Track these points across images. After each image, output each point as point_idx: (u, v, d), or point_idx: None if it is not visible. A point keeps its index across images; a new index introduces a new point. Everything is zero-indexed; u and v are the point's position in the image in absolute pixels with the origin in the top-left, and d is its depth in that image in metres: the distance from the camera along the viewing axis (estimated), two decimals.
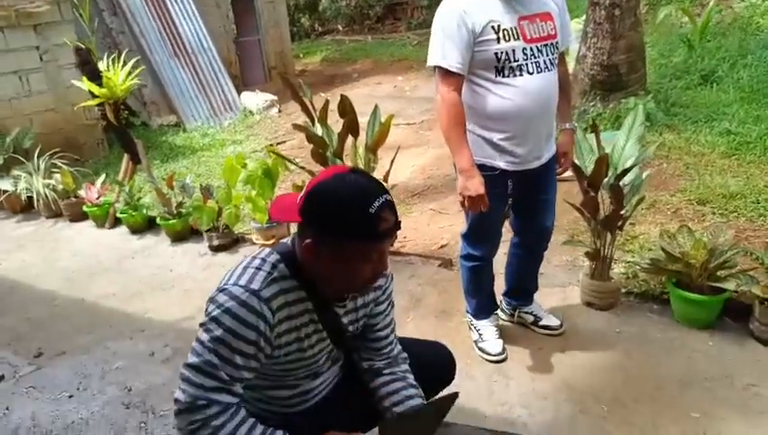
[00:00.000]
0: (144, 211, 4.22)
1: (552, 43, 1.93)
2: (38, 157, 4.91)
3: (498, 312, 2.48)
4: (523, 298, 2.46)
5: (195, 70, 7.40)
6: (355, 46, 12.81)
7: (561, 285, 2.81)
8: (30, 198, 4.85)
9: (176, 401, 1.21)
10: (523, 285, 2.45)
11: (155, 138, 6.66)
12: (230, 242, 3.77)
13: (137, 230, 4.25)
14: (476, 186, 1.92)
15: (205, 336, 1.17)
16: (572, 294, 2.71)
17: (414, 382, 1.44)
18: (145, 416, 2.21)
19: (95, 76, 4.11)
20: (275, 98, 7.70)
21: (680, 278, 2.40)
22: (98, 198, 4.48)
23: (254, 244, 3.61)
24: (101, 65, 4.18)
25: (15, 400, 2.40)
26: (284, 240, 1.33)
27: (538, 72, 1.90)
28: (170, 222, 3.93)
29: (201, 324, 1.20)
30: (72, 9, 5.58)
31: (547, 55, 1.92)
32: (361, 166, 3.07)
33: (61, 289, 3.50)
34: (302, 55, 12.62)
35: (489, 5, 1.87)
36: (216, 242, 3.73)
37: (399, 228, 1.19)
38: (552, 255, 3.03)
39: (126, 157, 4.52)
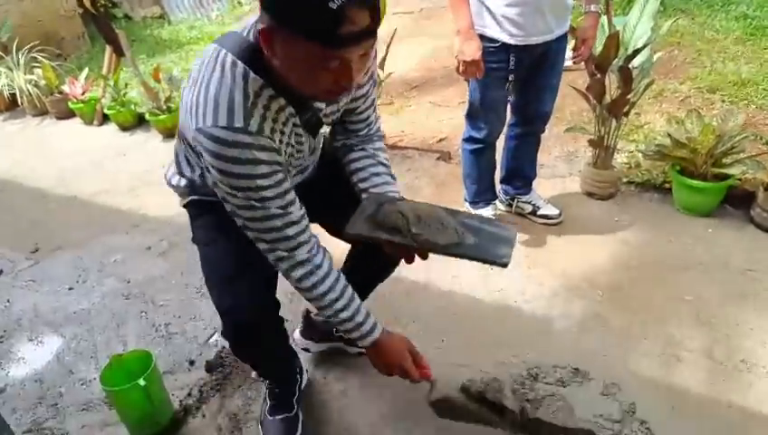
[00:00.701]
0: (132, 107, 4.06)
1: None
2: (17, 51, 4.65)
3: (496, 202, 2.44)
4: (521, 186, 2.41)
5: None
6: None
7: (561, 176, 2.75)
8: (13, 95, 4.66)
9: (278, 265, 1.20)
10: (521, 171, 2.39)
11: (139, 31, 6.30)
12: None
13: (127, 127, 4.12)
14: (473, 50, 1.85)
15: (230, 195, 1.09)
16: (572, 185, 2.66)
17: (384, 160, 1.37)
18: (145, 305, 2.24)
19: None
20: None
21: (684, 166, 2.34)
22: (83, 94, 4.30)
23: None
24: None
25: (16, 293, 2.43)
26: (235, 30, 1.11)
27: None
28: (160, 118, 3.79)
29: (214, 185, 1.11)
30: None
31: None
32: None
33: (53, 187, 3.44)
34: None
35: None
36: None
37: (374, 36, 0.95)
38: (553, 145, 2.94)
39: (108, 49, 4.29)
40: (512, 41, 1.89)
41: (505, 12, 1.85)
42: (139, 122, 4.11)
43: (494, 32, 1.90)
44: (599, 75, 2.25)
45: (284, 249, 1.16)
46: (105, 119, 4.27)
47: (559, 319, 1.93)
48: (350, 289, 1.25)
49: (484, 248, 1.15)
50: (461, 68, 1.92)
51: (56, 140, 4.21)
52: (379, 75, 2.75)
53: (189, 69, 4.66)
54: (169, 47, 5.81)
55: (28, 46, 4.72)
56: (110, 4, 4.87)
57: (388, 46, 2.94)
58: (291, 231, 1.14)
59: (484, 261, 1.15)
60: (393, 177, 1.37)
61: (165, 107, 3.79)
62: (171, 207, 3.07)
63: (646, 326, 1.86)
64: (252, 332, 1.31)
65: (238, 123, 1.02)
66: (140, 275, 2.45)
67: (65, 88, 4.38)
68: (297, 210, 1.15)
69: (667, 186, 2.50)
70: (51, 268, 2.58)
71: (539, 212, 2.39)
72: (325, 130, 1.35)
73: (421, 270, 2.12)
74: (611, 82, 2.31)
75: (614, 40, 2.13)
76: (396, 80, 4.09)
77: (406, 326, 1.94)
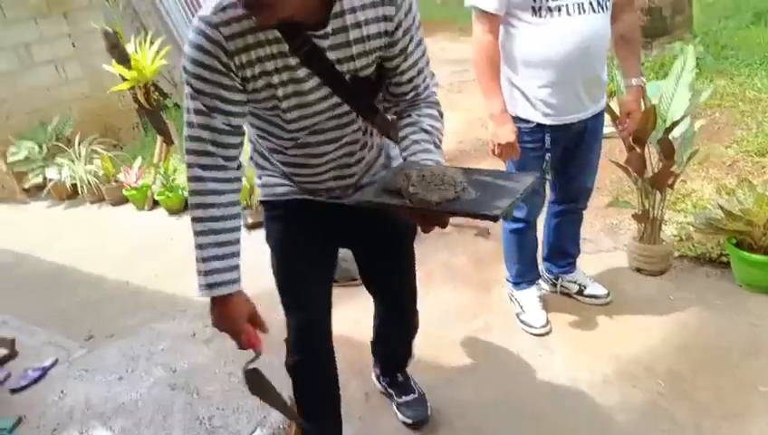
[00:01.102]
0: (180, 192, 4.26)
1: None
2: (79, 144, 5.02)
3: (540, 282, 2.38)
4: (564, 264, 2.35)
5: None
6: None
7: (606, 251, 2.67)
8: (74, 184, 4.98)
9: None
10: (564, 249, 2.34)
11: None
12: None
13: (174, 211, 4.30)
14: (507, 133, 1.85)
15: (186, 90, 1.18)
16: (619, 260, 2.58)
17: (428, 127, 1.24)
18: (189, 396, 2.25)
19: (124, 59, 4.13)
20: None
21: (741, 238, 2.23)
22: (136, 181, 4.55)
23: None
24: (129, 48, 4.19)
25: (69, 383, 2.48)
26: None
27: (580, 13, 1.75)
28: None
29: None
30: None
31: None
32: None
33: (107, 272, 3.59)
34: None
35: None
36: (250, 220, 3.73)
37: None
38: (595, 218, 2.88)
39: (159, 139, 4.57)
40: (546, 121, 1.90)
41: (538, 93, 1.86)
42: (186, 206, 4.30)
43: (527, 112, 1.91)
44: (638, 149, 2.22)
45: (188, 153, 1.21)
46: (155, 204, 4.48)
47: (617, 412, 1.81)
48: (230, 236, 1.23)
49: (479, 203, 1.03)
50: (496, 151, 1.93)
51: (111, 226, 4.43)
52: None
53: None
54: None
55: (89, 139, 5.09)
56: (161, 98, 5.23)
57: None
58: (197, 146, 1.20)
59: (475, 216, 1.03)
60: (436, 144, 1.24)
61: None
62: None
63: (719, 424, 1.71)
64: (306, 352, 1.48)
65: (204, 12, 1.11)
66: (186, 363, 2.47)
67: (121, 176, 4.65)
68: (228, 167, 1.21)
69: (724, 259, 2.38)
70: (103, 357, 2.63)
71: (585, 292, 2.32)
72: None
73: (464, 355, 2.06)
74: (651, 154, 2.27)
75: (650, 113, 2.11)
76: None
77: (452, 423, 1.85)
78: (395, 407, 1.92)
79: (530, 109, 1.90)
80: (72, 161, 4.97)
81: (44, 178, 5.09)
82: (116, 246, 3.97)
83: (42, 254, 3.98)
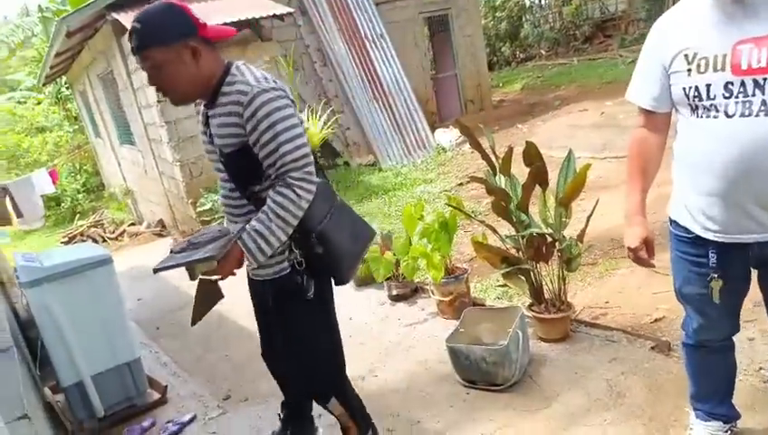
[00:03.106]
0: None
1: None
2: None
3: (737, 423, 1.83)
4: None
5: (391, 110, 7.66)
6: (559, 71, 12.08)
7: None
8: None
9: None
10: None
11: (354, 177, 7.01)
12: (409, 292, 3.62)
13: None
14: (632, 237, 1.63)
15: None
16: None
17: (270, 202, 1.58)
18: None
19: None
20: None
21: None
22: None
23: (432, 296, 3.39)
24: (303, 116, 4.48)
25: None
26: None
27: (745, 116, 1.36)
28: None
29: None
30: (287, 65, 6.20)
31: None
32: (551, 222, 2.63)
33: (244, 316, 3.72)
34: (501, 84, 12.34)
35: (697, 23, 1.43)
36: (394, 292, 3.61)
37: (134, 53, 1.56)
38: None
39: None
40: (708, 236, 1.51)
41: (696, 201, 1.51)
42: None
43: (685, 220, 1.57)
44: None
45: None
46: None
47: None
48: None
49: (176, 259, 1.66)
50: (630, 256, 1.67)
51: None
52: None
53: (390, 214, 4.70)
54: (376, 193, 6.28)
55: None
56: (325, 164, 5.54)
57: (590, 214, 2.62)
58: None
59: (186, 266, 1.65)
60: (265, 212, 1.58)
61: None
62: (347, 365, 3.05)
63: None
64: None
65: None
66: None
67: None
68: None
69: None
70: (232, 421, 2.66)
71: None
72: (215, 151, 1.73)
73: None
74: None
75: None
76: (602, 235, 3.68)
77: None
78: None
79: (688, 217, 1.56)
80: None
81: None
82: None
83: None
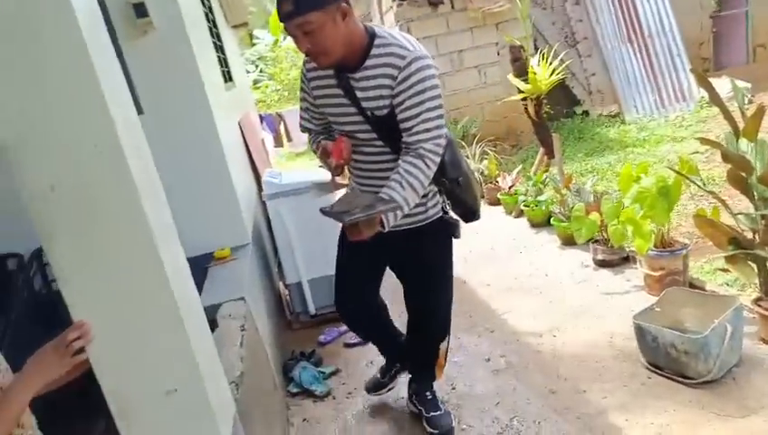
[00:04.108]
0: (543, 207, 4.19)
1: None
2: (477, 143, 5.55)
3: None
4: None
5: (648, 55, 6.71)
6: None
7: None
8: None
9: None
10: None
11: (588, 129, 6.47)
12: (617, 259, 3.32)
13: (536, 224, 4.28)
14: None
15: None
16: None
17: (401, 169, 1.62)
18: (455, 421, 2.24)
19: (523, 72, 4.27)
20: (748, 86, 6.18)
21: None
22: (510, 188, 4.72)
23: (639, 268, 3.05)
24: (533, 61, 4.29)
25: (379, 357, 2.84)
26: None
27: None
28: (562, 224, 3.77)
29: None
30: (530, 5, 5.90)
31: None
32: None
33: (456, 265, 3.87)
34: None
35: None
36: (600, 256, 3.36)
37: (298, 16, 1.49)
38: None
39: (541, 150, 4.58)
40: None
41: None
42: (548, 222, 4.19)
43: None
44: None
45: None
46: (521, 212, 4.55)
47: None
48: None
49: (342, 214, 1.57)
50: None
51: (478, 224, 4.74)
52: None
53: (618, 177, 4.35)
54: (611, 148, 5.72)
55: (488, 139, 5.56)
56: (551, 112, 5.19)
57: None
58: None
59: (335, 217, 1.59)
60: (399, 182, 1.60)
61: (568, 215, 3.73)
62: (529, 322, 3.00)
63: None
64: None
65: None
66: (466, 385, 2.46)
67: (499, 180, 4.91)
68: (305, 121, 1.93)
69: None
70: None
71: None
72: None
73: None
74: None
75: None
76: None
77: None
78: (424, 422, 2.18)
79: None
80: (468, 157, 5.53)
81: None
82: (475, 244, 4.24)
83: None
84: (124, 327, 1.17)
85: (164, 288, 1.19)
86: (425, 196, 1.83)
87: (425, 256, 1.97)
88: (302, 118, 1.91)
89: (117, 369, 1.20)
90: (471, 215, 1.99)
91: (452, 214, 1.96)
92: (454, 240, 2.02)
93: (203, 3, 3.56)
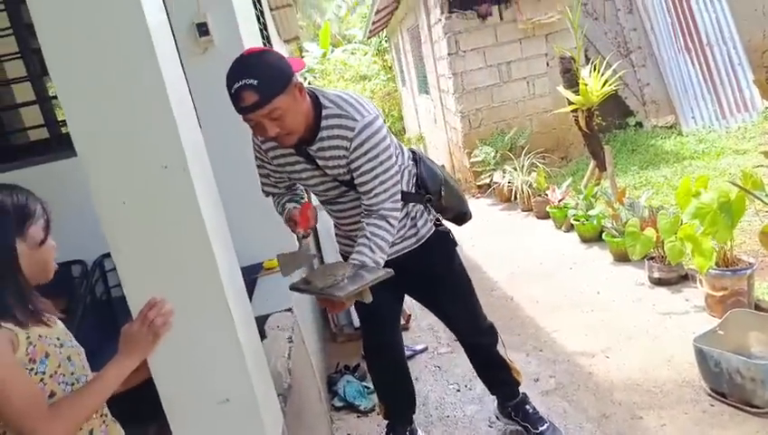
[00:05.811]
0: (594, 222, 4.06)
1: None
2: (525, 154, 5.46)
3: None
4: None
5: (707, 64, 6.43)
6: None
7: None
8: (511, 190, 5.48)
9: None
10: None
11: (642, 140, 6.25)
12: (675, 278, 3.19)
13: (586, 239, 4.16)
14: None
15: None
16: None
17: (368, 233, 1.64)
18: None
19: (574, 84, 4.17)
20: None
21: None
22: (560, 201, 4.61)
23: (700, 288, 2.91)
24: (585, 72, 4.19)
25: (423, 373, 2.82)
26: None
27: None
28: (615, 240, 3.64)
29: None
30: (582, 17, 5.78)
31: None
32: None
33: (502, 281, 3.83)
34: None
35: None
36: (656, 274, 3.22)
37: (264, 106, 1.45)
38: None
39: (592, 163, 4.46)
40: None
41: None
42: (599, 237, 4.07)
43: None
44: None
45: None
46: (572, 226, 4.44)
47: None
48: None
49: (337, 288, 1.49)
50: None
51: (527, 237, 4.67)
52: None
53: (675, 190, 4.20)
54: (666, 160, 5.51)
55: (536, 151, 5.46)
56: (603, 123, 5.03)
57: None
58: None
59: (326, 296, 1.53)
60: (367, 246, 1.62)
61: (621, 230, 3.61)
62: (580, 341, 2.90)
63: None
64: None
65: None
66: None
67: (548, 192, 4.81)
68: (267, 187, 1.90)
69: None
70: (457, 362, 2.85)
71: None
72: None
73: None
74: None
75: None
76: None
77: None
78: None
79: None
80: (515, 169, 5.46)
81: (491, 180, 5.80)
82: (522, 258, 4.16)
83: (466, 246, 4.54)
84: (182, 335, 1.20)
85: (220, 299, 1.22)
86: (413, 218, 1.89)
87: (436, 270, 1.98)
88: (263, 184, 1.88)
89: (174, 376, 1.23)
90: (462, 216, 2.05)
91: (444, 224, 2.00)
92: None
93: (258, 20, 3.67)
